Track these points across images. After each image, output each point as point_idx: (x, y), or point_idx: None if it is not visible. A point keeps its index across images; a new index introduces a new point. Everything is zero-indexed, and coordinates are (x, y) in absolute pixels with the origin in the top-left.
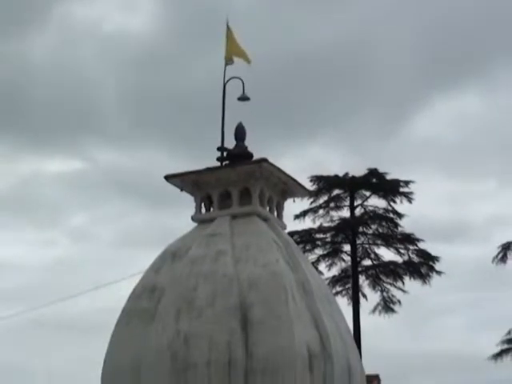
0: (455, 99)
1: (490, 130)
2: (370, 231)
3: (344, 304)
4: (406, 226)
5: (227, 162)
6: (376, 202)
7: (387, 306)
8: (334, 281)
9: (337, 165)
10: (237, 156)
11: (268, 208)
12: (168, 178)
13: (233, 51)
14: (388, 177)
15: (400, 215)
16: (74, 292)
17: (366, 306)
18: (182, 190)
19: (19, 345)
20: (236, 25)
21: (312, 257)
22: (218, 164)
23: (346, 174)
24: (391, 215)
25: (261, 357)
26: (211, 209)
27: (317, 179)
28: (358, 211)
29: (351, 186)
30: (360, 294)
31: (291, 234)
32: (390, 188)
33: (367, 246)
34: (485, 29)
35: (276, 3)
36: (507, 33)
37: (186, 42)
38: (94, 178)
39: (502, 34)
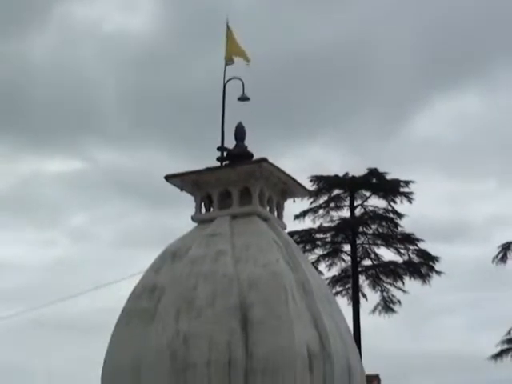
0: (455, 99)
1: (490, 130)
2: (370, 231)
3: (344, 304)
4: (406, 226)
5: (227, 161)
6: (376, 202)
7: (387, 305)
8: (334, 281)
9: (337, 165)
10: (237, 156)
11: (268, 208)
12: (168, 177)
13: (233, 51)
14: (388, 177)
15: (400, 215)
16: (74, 292)
17: (365, 306)
18: (182, 190)
19: (19, 345)
20: (236, 25)
21: (312, 257)
22: (218, 164)
23: (346, 173)
24: (391, 215)
25: (261, 357)
26: (211, 209)
27: (317, 179)
28: (358, 211)
29: (351, 186)
30: (360, 294)
31: (291, 233)
32: (390, 188)
33: (367, 245)
34: (485, 29)
35: (276, 3)
36: (507, 33)
37: (186, 42)
38: (94, 178)
39: (502, 33)
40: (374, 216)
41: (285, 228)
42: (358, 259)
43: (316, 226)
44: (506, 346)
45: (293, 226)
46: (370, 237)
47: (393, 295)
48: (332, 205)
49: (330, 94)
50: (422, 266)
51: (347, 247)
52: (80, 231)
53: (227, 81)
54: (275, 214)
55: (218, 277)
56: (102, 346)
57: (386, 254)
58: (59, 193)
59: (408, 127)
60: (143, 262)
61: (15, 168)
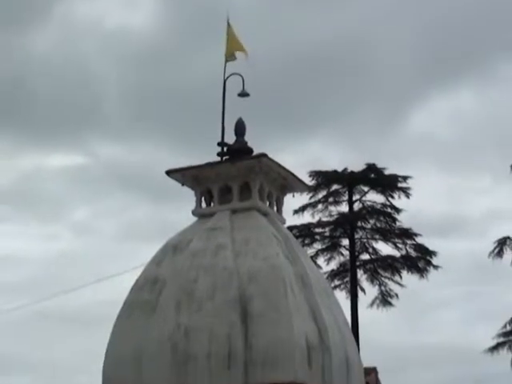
0: (451, 96)
1: (486, 125)
2: (369, 226)
3: (342, 298)
4: (403, 220)
5: (227, 157)
6: (374, 197)
7: (385, 299)
8: (333, 275)
9: (336, 160)
10: (237, 151)
11: (268, 203)
12: (169, 172)
13: (233, 48)
14: (386, 172)
15: (398, 210)
16: (76, 285)
17: (363, 300)
18: (182, 185)
19: (23, 337)
20: (236, 22)
21: (311, 251)
22: (219, 159)
23: (345, 169)
24: (389, 210)
25: (260, 348)
26: (211, 203)
27: (316, 174)
28: (357, 206)
29: (350, 181)
30: (358, 288)
31: (290, 228)
32: (388, 183)
33: (365, 240)
34: (482, 26)
35: (276, 1)
36: (504, 30)
37: (187, 38)
38: (96, 172)
39: (499, 31)
40: (372, 211)
41: (284, 222)
42: (357, 253)
43: (315, 220)
44: (502, 339)
45: (292, 220)
46: (368, 231)
47: (390, 289)
48: (331, 200)
49: (330, 90)
50: (420, 260)
51: (346, 241)
52: (82, 225)
53: (227, 77)
54: (275, 208)
55: (218, 270)
56: (105, 338)
57: (384, 249)
58: (62, 187)
59: (405, 123)
60: (145, 255)
61: (18, 163)
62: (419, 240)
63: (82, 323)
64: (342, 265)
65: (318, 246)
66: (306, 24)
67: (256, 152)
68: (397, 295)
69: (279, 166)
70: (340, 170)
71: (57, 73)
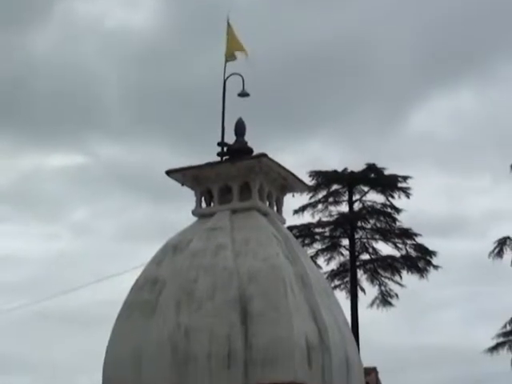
0: (451, 96)
1: (486, 125)
2: (369, 226)
3: (342, 298)
4: (403, 220)
5: (227, 157)
6: (374, 197)
7: (385, 299)
8: (333, 275)
9: (336, 160)
10: (237, 151)
11: (268, 203)
12: (169, 172)
13: (233, 48)
14: (386, 172)
15: (398, 210)
16: (76, 285)
17: (363, 300)
18: (182, 185)
19: (23, 337)
20: (237, 22)
21: (311, 251)
22: (219, 159)
23: (345, 169)
24: (389, 210)
25: (260, 348)
26: (211, 203)
27: (316, 174)
28: (357, 206)
29: (350, 181)
30: (358, 288)
31: (290, 228)
32: (388, 183)
33: (365, 240)
34: (482, 26)
35: (276, 1)
36: (504, 29)
37: (188, 38)
38: (96, 172)
39: (499, 31)
40: (372, 211)
41: (284, 222)
42: (357, 253)
43: (315, 220)
44: (501, 340)
45: (292, 220)
46: (368, 231)
47: (390, 289)
48: (331, 200)
49: (330, 90)
50: (420, 260)
51: (346, 242)
52: (82, 225)
53: (227, 77)
54: (275, 208)
55: (218, 270)
56: (104, 338)
57: (384, 249)
58: (61, 187)
59: (405, 123)
60: (145, 255)
61: (17, 163)
62: (419, 240)
63: (81, 323)
64: (341, 265)
65: (318, 246)
66: (306, 24)
67: (256, 152)
68: (397, 295)
69: (279, 165)
70: (340, 169)
71: (57, 73)
